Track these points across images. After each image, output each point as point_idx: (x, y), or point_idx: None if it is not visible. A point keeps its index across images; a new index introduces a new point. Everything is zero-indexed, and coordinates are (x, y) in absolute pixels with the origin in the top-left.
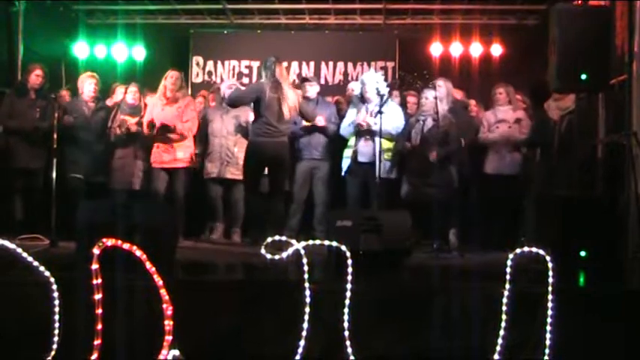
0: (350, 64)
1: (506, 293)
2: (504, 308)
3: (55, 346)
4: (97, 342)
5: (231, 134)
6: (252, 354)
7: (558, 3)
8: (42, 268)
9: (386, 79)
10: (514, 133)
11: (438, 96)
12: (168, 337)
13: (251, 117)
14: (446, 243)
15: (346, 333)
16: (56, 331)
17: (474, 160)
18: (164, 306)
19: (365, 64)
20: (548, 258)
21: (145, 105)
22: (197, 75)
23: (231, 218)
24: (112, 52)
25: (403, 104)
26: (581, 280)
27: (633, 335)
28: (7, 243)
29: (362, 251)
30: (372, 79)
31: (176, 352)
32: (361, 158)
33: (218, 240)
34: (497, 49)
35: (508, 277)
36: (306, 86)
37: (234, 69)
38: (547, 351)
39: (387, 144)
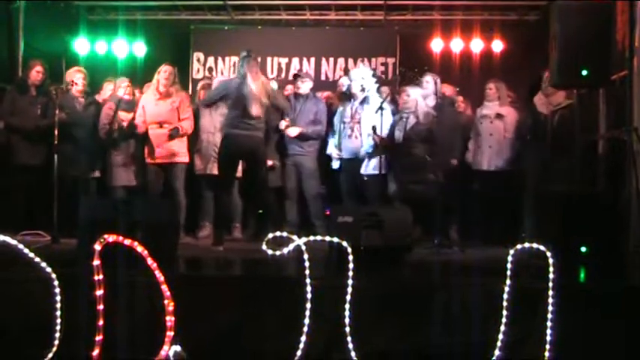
0: (351, 60)
1: (507, 289)
2: (505, 304)
3: (56, 342)
4: (98, 338)
5: (219, 130)
6: (254, 350)
7: None
8: (43, 265)
9: (374, 75)
10: (497, 129)
11: (425, 92)
12: (170, 333)
13: None
14: (447, 239)
15: (347, 329)
16: (58, 327)
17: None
18: (165, 302)
19: (365, 60)
20: (548, 254)
21: (138, 100)
22: (198, 71)
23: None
24: (112, 48)
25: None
26: (582, 275)
27: (634, 331)
28: (8, 239)
29: (363, 247)
30: (358, 75)
31: (177, 348)
32: (347, 155)
33: (204, 238)
34: (498, 45)
35: (509, 272)
36: (298, 82)
37: (234, 65)
38: (548, 347)
39: (371, 141)
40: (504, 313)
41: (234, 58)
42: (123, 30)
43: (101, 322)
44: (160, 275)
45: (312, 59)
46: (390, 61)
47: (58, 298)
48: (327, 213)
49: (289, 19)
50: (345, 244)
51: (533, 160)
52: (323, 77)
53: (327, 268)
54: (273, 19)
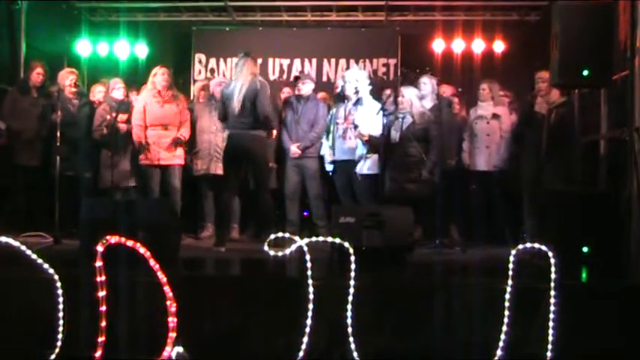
0: (352, 61)
1: (508, 289)
2: (507, 304)
3: (59, 343)
4: (101, 339)
5: (220, 130)
6: (256, 350)
7: None
8: (46, 266)
9: (370, 77)
10: (494, 129)
11: (422, 93)
12: (172, 334)
13: None
14: (447, 238)
15: (349, 329)
16: (60, 328)
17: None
18: (168, 303)
19: (367, 60)
20: (550, 254)
21: (132, 101)
22: (199, 72)
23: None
24: (114, 49)
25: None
26: (584, 275)
27: (636, 331)
28: (11, 240)
29: (364, 247)
30: (352, 77)
31: (180, 349)
32: (339, 156)
33: (206, 239)
34: (499, 46)
35: (511, 273)
36: (299, 84)
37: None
38: (550, 347)
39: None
40: (506, 313)
41: (236, 59)
42: (124, 31)
43: (103, 324)
44: (162, 276)
45: (314, 60)
46: (392, 61)
47: (61, 299)
48: (305, 215)
49: (290, 20)
50: (346, 244)
51: (531, 160)
52: (325, 78)
53: (329, 269)
54: (274, 20)
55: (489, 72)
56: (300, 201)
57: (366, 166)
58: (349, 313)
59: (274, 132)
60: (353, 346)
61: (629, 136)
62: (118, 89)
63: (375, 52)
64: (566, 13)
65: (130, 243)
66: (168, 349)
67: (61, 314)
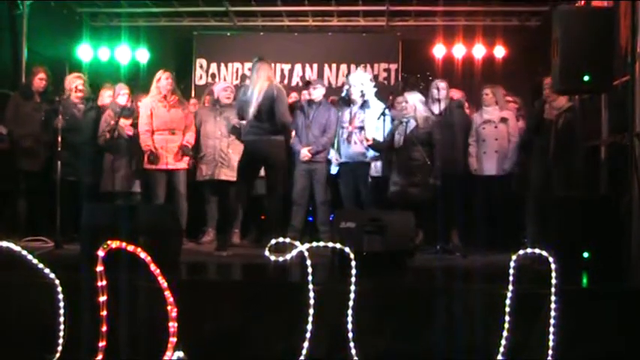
0: (353, 66)
1: (509, 294)
2: (507, 309)
3: (60, 348)
4: (101, 344)
5: (225, 136)
6: (257, 355)
7: (561, 4)
8: (47, 270)
9: (373, 80)
10: (502, 133)
11: (439, 97)
12: (173, 339)
13: None
14: (449, 244)
15: (350, 334)
16: (61, 333)
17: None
18: (169, 308)
19: (368, 65)
20: (551, 259)
21: (137, 106)
22: (200, 77)
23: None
24: (115, 54)
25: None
26: (584, 281)
27: (636, 336)
28: (12, 245)
29: (365, 252)
30: (357, 80)
31: (180, 354)
32: (345, 159)
33: (207, 244)
34: (499, 51)
35: (511, 278)
36: (310, 89)
37: (237, 71)
38: (550, 352)
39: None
40: (507, 318)
41: (237, 64)
42: (126, 36)
43: (104, 328)
44: (162, 281)
45: (315, 65)
46: (393, 66)
47: (62, 303)
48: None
49: (292, 25)
50: (347, 249)
51: (539, 165)
52: (326, 83)
53: (330, 274)
54: (275, 25)
55: (490, 77)
56: (307, 207)
57: (374, 169)
58: (350, 318)
59: (293, 134)
60: (353, 351)
61: (629, 141)
62: (122, 95)
63: (376, 57)
64: (566, 19)
65: (130, 248)
66: (168, 353)
67: (61, 319)
